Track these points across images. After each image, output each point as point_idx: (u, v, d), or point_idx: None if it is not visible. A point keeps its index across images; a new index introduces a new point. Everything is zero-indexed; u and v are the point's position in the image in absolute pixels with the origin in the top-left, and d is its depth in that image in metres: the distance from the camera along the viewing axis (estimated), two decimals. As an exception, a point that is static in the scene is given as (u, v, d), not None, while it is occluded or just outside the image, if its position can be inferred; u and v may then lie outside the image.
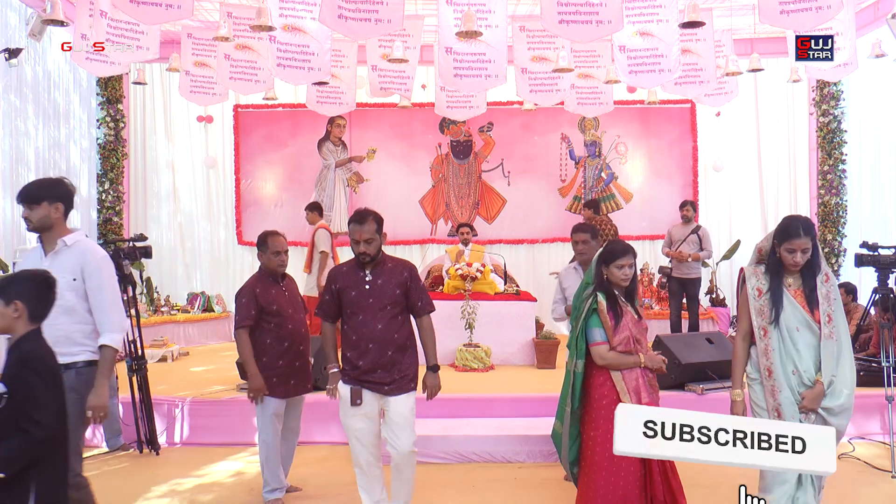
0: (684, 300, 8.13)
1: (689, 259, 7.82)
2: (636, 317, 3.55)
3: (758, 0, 5.77)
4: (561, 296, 4.72)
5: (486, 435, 5.17)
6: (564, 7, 5.82)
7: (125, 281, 5.08)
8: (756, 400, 3.26)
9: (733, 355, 3.31)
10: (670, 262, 8.09)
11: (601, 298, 3.46)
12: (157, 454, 5.25)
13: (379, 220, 3.59)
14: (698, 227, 7.99)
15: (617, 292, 3.50)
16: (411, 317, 3.74)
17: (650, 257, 9.80)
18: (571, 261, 5.11)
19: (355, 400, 3.58)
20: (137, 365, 5.28)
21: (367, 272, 3.60)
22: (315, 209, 8.29)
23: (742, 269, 3.29)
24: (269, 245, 4.27)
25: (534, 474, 4.83)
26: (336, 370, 3.70)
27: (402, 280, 3.63)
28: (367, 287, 3.58)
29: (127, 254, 5.15)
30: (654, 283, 9.58)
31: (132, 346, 5.31)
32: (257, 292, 4.17)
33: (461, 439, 5.12)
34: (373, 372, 3.58)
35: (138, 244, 5.34)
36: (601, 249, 3.61)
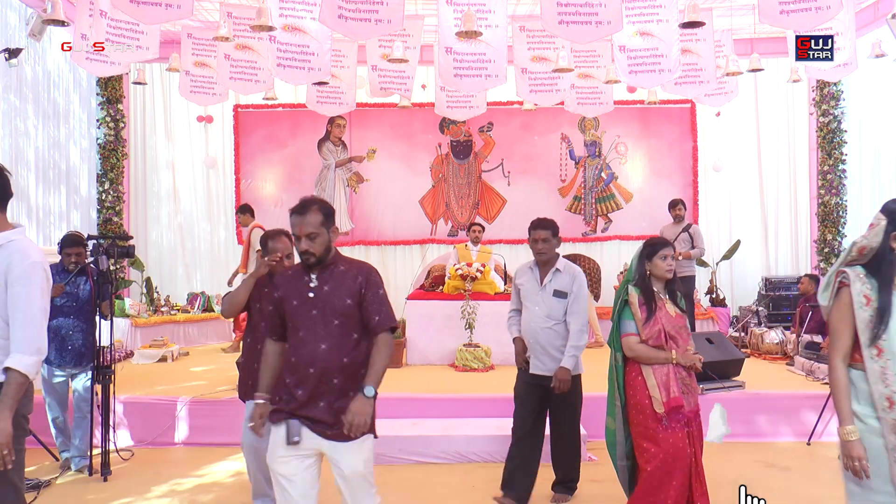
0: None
1: (681, 257, 7.62)
2: (677, 313, 3.52)
3: (758, 0, 5.77)
4: (516, 298, 4.25)
5: (486, 435, 5.16)
6: (564, 7, 5.82)
7: (103, 278, 4.90)
8: (871, 445, 2.45)
9: (835, 382, 2.55)
10: None
11: (632, 290, 3.48)
12: (106, 480, 4.66)
13: (326, 211, 2.87)
14: (689, 226, 7.94)
15: (656, 289, 3.50)
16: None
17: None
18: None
19: (292, 437, 2.82)
20: (102, 374, 4.79)
21: (313, 277, 2.86)
22: (246, 211, 8.29)
23: (839, 272, 2.58)
24: (269, 249, 3.80)
25: (534, 474, 4.82)
26: (263, 402, 2.91)
27: (355, 287, 2.85)
28: (311, 295, 2.83)
29: (107, 250, 5.06)
30: None
31: (100, 353, 4.84)
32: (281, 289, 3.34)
33: (461, 439, 5.12)
34: (312, 406, 2.79)
35: (120, 242, 5.18)
36: (642, 245, 3.58)
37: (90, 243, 5.05)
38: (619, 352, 3.53)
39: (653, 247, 3.52)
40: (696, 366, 3.51)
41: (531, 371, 4.07)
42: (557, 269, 4.07)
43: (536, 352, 4.06)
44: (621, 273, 9.72)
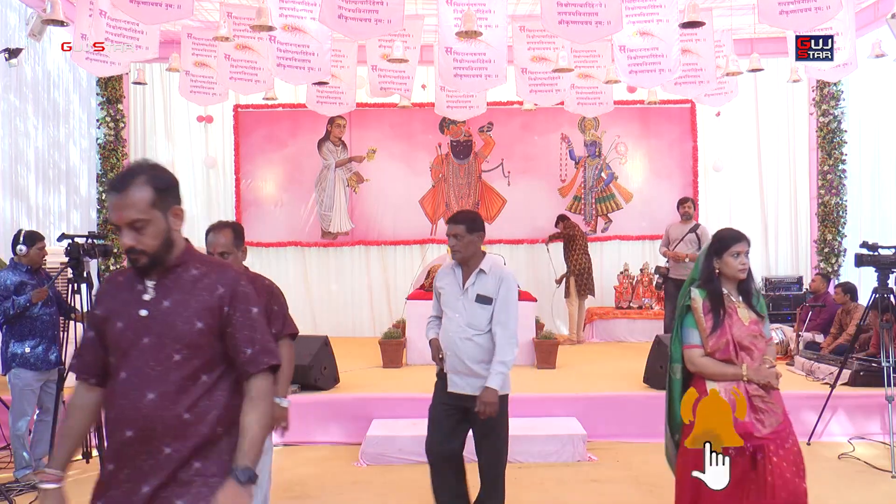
0: None
1: (687, 259, 7.54)
2: (752, 320, 2.98)
3: (758, 0, 5.76)
4: (436, 303, 3.69)
5: (486, 435, 5.16)
6: (564, 7, 5.81)
7: (79, 279, 4.86)
8: None
9: None
10: (667, 262, 7.93)
11: (696, 294, 2.97)
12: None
13: (160, 184, 1.89)
14: (697, 226, 7.79)
15: (726, 290, 2.98)
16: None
17: (650, 257, 9.80)
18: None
19: None
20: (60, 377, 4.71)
21: (149, 286, 1.92)
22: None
23: None
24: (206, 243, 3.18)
25: (534, 474, 4.83)
26: (54, 486, 1.92)
27: (212, 303, 1.89)
28: (144, 314, 1.89)
29: (86, 250, 5.01)
30: (654, 284, 9.58)
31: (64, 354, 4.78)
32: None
33: (461, 439, 5.11)
34: (129, 493, 1.82)
35: (97, 241, 5.14)
36: (711, 239, 3.09)
37: (66, 243, 4.93)
38: (679, 363, 3.04)
39: (723, 241, 3.01)
40: (772, 383, 2.96)
41: (448, 389, 3.50)
42: (482, 271, 3.49)
43: (455, 367, 3.47)
44: (622, 273, 9.73)
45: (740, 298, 3.00)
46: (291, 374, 3.16)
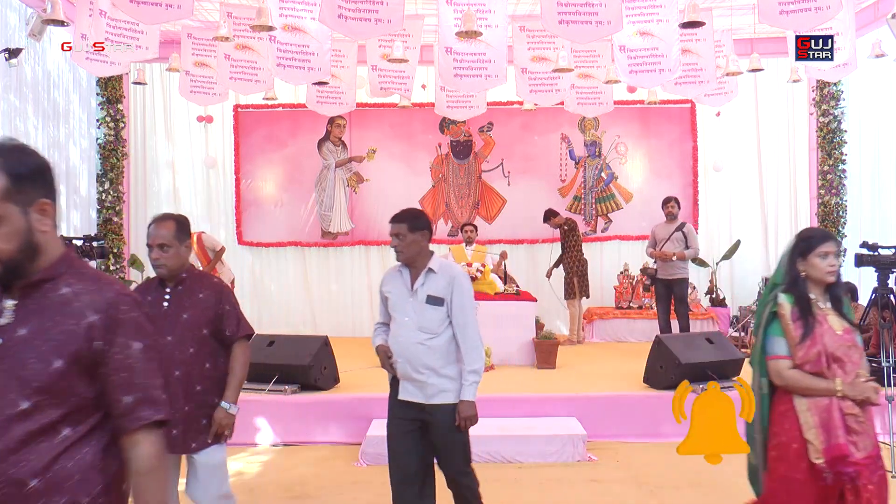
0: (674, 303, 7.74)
1: (674, 258, 7.47)
2: (845, 328, 2.69)
3: (758, 0, 5.77)
4: (383, 309, 3.46)
5: (486, 435, 5.16)
6: (564, 7, 5.81)
7: None
8: None
9: None
10: (654, 262, 7.81)
11: (783, 300, 2.70)
12: None
13: (12, 169, 1.45)
14: (683, 224, 7.67)
15: (813, 295, 2.71)
16: None
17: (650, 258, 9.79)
18: None
19: None
20: None
21: (5, 305, 1.52)
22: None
23: None
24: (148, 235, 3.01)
25: (534, 474, 4.83)
26: None
27: (77, 334, 1.47)
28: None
29: (85, 252, 5.04)
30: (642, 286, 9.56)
31: None
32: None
33: (461, 439, 5.11)
34: None
35: (94, 243, 5.16)
36: (794, 240, 2.82)
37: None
38: (764, 377, 2.76)
39: (809, 241, 2.73)
40: (871, 398, 2.62)
41: (400, 396, 3.30)
42: (431, 270, 3.27)
43: (407, 373, 3.25)
44: (622, 273, 9.72)
45: (829, 304, 2.73)
46: (245, 377, 3.08)
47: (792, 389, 2.66)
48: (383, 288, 3.41)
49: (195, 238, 8.37)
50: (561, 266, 8.85)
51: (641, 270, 8.33)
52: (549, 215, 8.94)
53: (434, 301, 3.23)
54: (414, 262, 3.29)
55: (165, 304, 2.94)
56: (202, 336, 2.95)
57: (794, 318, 2.66)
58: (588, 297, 8.87)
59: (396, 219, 3.29)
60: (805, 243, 2.74)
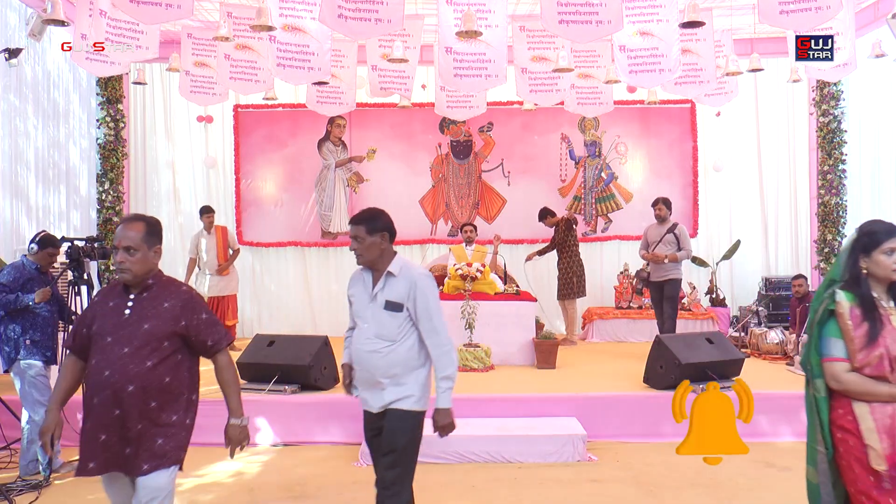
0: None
1: (666, 260, 7.34)
2: None
3: (758, 0, 5.77)
4: (351, 314, 3.27)
5: (486, 435, 5.17)
6: (564, 7, 5.82)
7: (80, 281, 4.96)
8: None
9: None
10: (647, 265, 7.68)
11: (842, 297, 2.50)
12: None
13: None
14: (675, 226, 7.49)
15: (876, 294, 2.53)
16: None
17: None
18: None
19: None
20: None
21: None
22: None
23: None
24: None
25: (534, 474, 4.83)
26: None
27: None
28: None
29: (87, 253, 5.07)
30: (634, 290, 9.56)
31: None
32: (94, 302, 2.90)
33: (461, 439, 5.11)
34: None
35: (96, 244, 5.20)
36: (856, 235, 2.63)
37: (65, 246, 5.03)
38: (819, 378, 2.53)
39: (873, 236, 2.55)
40: None
41: (364, 406, 3.19)
42: (390, 274, 3.08)
43: (363, 381, 3.12)
44: (622, 273, 9.72)
45: (892, 303, 2.54)
46: (240, 384, 3.00)
47: (850, 394, 2.47)
48: (349, 291, 3.25)
49: (220, 231, 8.46)
50: (557, 265, 8.81)
51: (636, 273, 8.20)
52: (545, 214, 8.91)
53: (392, 307, 3.04)
54: (375, 265, 3.11)
55: (127, 311, 2.71)
56: (163, 348, 2.70)
57: (854, 319, 2.47)
58: (584, 295, 8.85)
59: (354, 220, 3.13)
60: (869, 238, 2.55)
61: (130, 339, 2.67)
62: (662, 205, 7.57)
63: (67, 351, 2.85)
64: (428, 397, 3.12)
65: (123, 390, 2.63)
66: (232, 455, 2.91)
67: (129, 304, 2.73)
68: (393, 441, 3.02)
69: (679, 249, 7.37)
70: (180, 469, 2.82)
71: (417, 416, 3.08)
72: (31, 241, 4.90)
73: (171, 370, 2.74)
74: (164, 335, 2.71)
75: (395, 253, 3.17)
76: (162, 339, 2.71)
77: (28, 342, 4.77)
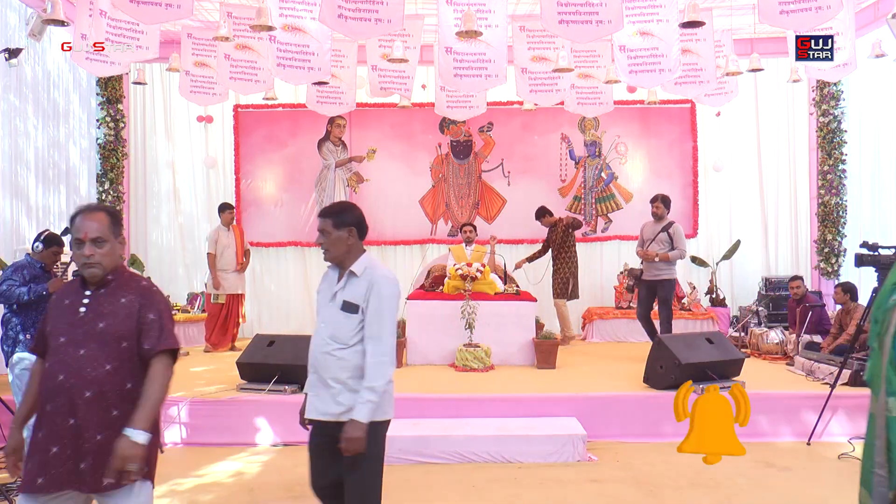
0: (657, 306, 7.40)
1: (657, 259, 7.21)
2: None
3: (758, 0, 5.77)
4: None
5: (486, 435, 5.17)
6: (564, 7, 5.82)
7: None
8: None
9: None
10: (641, 263, 7.53)
11: None
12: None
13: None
14: (670, 224, 7.30)
15: None
16: None
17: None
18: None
19: None
20: None
21: None
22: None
23: None
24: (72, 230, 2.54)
25: (534, 474, 4.83)
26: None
27: None
28: None
29: None
30: (626, 287, 9.55)
31: None
32: (52, 300, 2.61)
33: (461, 439, 5.12)
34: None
35: None
36: None
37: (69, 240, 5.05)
38: (893, 396, 2.15)
39: None
40: None
41: (306, 415, 2.94)
42: (352, 273, 2.89)
43: (314, 387, 2.90)
44: (622, 273, 9.72)
45: None
46: (162, 400, 2.47)
47: None
48: (318, 289, 3.08)
49: (237, 229, 8.45)
50: (551, 264, 8.70)
51: (629, 271, 7.96)
52: (543, 213, 8.83)
53: (349, 308, 2.85)
54: (342, 261, 2.92)
55: (83, 309, 2.43)
56: (121, 350, 2.41)
57: None
58: (577, 297, 8.78)
59: (322, 213, 2.94)
60: None
61: (86, 340, 2.39)
62: (661, 203, 7.40)
63: (34, 357, 2.57)
64: (390, 406, 2.87)
65: (80, 396, 2.34)
66: (110, 475, 2.32)
67: (85, 300, 2.44)
68: (354, 464, 2.75)
69: (672, 249, 7.20)
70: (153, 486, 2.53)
71: (377, 427, 2.79)
72: (36, 240, 4.93)
73: (132, 374, 2.43)
74: (121, 335, 2.42)
75: (364, 251, 2.98)
76: (120, 340, 2.42)
77: (28, 337, 4.79)
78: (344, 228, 2.90)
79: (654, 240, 7.28)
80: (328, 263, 3.00)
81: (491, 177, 10.22)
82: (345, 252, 2.91)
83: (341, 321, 2.85)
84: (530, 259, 8.89)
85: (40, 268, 4.89)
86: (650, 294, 7.40)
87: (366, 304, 2.83)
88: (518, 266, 8.86)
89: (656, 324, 7.47)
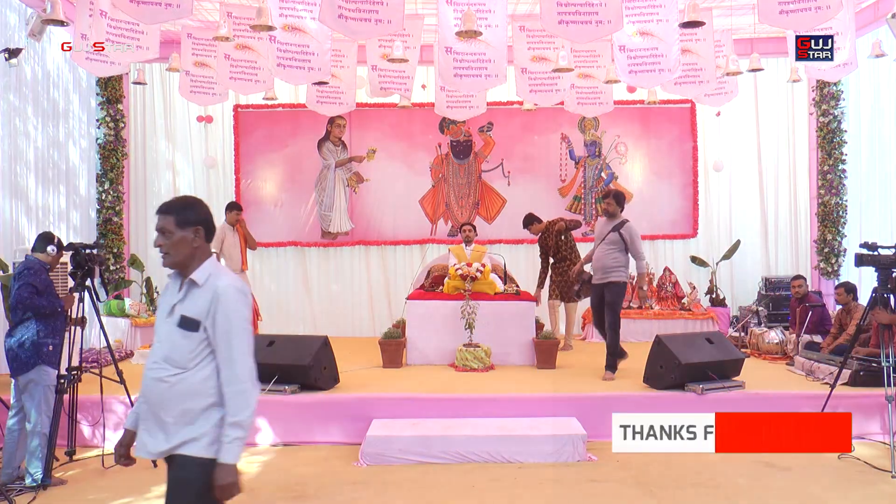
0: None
1: (573, 276, 6.96)
2: None
3: (758, 0, 5.77)
4: None
5: (486, 435, 5.17)
6: (564, 7, 5.82)
7: (81, 287, 4.94)
8: None
9: None
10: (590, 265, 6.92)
11: None
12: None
13: None
14: (622, 223, 6.46)
15: None
16: None
17: (650, 258, 9.76)
18: None
19: None
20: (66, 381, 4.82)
21: None
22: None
23: None
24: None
25: (534, 474, 4.83)
26: None
27: None
28: None
29: (97, 258, 5.07)
30: (654, 283, 9.55)
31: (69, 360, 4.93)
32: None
33: (461, 439, 5.12)
34: None
35: (95, 251, 5.17)
36: None
37: (68, 253, 5.00)
38: None
39: None
40: None
41: (136, 453, 2.49)
42: (193, 283, 2.41)
43: (144, 418, 2.42)
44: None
45: None
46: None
47: None
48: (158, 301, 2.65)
49: (241, 232, 8.13)
50: (552, 266, 8.34)
51: (577, 274, 7.07)
52: (531, 220, 8.42)
53: (187, 325, 2.36)
54: (186, 267, 2.43)
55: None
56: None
57: None
58: (569, 300, 8.36)
59: (162, 209, 2.49)
60: None
61: None
62: (612, 199, 6.54)
63: None
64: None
65: None
66: None
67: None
68: (178, 498, 2.38)
69: (625, 250, 6.44)
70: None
71: (211, 465, 2.34)
72: (49, 243, 4.77)
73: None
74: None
75: (211, 255, 2.50)
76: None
77: (50, 348, 4.66)
78: (189, 228, 2.43)
79: (605, 240, 6.51)
80: (169, 271, 2.51)
81: (491, 177, 10.22)
82: (188, 256, 2.43)
83: (178, 340, 2.37)
84: (540, 285, 8.42)
85: (47, 270, 4.85)
86: (601, 300, 6.58)
87: (210, 320, 2.35)
88: (538, 297, 8.21)
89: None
